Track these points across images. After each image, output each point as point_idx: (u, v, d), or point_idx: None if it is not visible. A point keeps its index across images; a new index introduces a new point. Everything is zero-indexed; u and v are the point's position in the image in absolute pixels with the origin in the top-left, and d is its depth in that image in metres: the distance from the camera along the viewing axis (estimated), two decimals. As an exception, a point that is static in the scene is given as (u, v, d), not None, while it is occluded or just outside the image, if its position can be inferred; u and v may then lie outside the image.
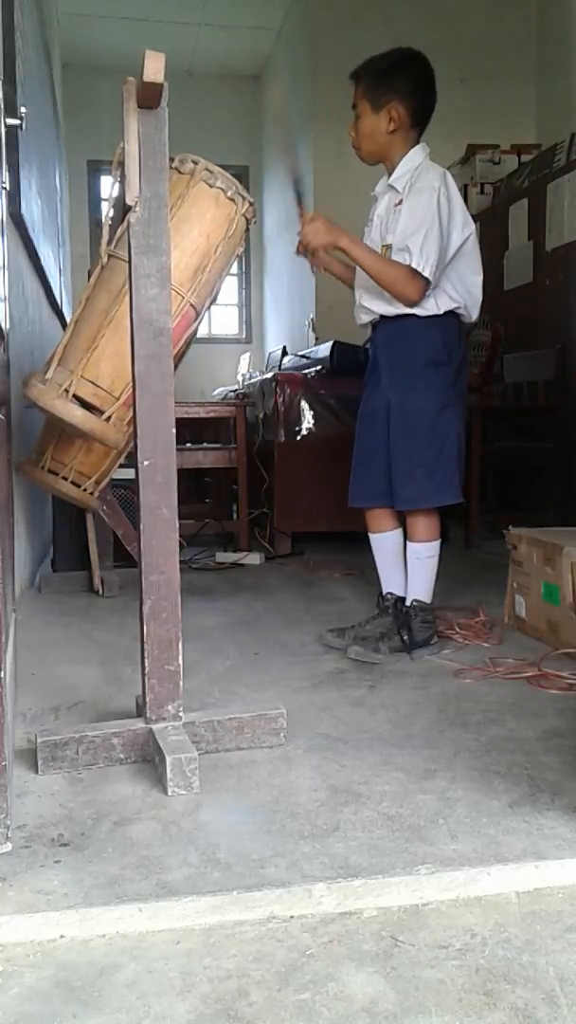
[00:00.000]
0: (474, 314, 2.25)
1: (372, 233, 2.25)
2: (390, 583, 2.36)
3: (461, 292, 2.20)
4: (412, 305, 2.15)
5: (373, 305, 2.24)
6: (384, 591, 2.36)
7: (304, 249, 2.22)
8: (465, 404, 2.33)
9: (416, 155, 2.19)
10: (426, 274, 2.09)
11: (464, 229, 2.16)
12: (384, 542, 2.35)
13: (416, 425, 2.21)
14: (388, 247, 2.17)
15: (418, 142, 2.20)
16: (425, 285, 2.12)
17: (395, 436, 2.23)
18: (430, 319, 2.18)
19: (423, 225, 2.09)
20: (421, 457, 2.21)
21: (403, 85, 2.15)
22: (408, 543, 2.30)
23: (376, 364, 2.30)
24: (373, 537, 2.37)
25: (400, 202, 2.16)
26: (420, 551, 2.27)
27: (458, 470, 2.25)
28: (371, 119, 2.17)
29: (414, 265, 2.09)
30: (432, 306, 2.17)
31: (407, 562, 2.31)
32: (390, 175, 2.22)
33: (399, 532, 2.32)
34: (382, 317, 2.24)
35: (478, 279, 2.22)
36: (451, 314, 2.21)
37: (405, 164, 2.18)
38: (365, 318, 2.30)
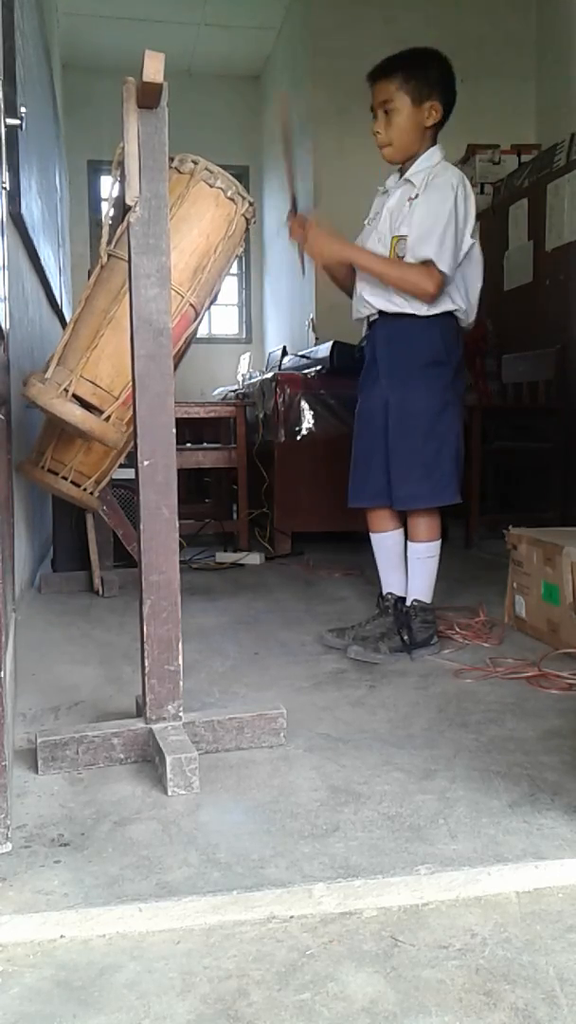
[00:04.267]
0: (471, 319, 2.26)
1: (380, 226, 2.23)
2: (390, 583, 2.35)
3: (463, 295, 2.20)
4: (431, 300, 2.15)
5: (374, 300, 2.23)
6: (384, 591, 2.36)
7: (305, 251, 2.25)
8: (463, 404, 2.33)
9: (435, 153, 2.20)
10: (444, 268, 2.10)
11: (474, 234, 2.18)
12: (385, 542, 2.35)
13: (415, 425, 2.21)
14: (402, 238, 2.17)
15: (436, 142, 2.22)
16: (442, 278, 2.12)
17: (394, 436, 2.23)
18: (431, 319, 2.18)
19: (441, 220, 2.10)
20: (420, 457, 2.21)
21: (440, 80, 2.17)
22: (409, 543, 2.30)
23: (374, 362, 2.30)
24: (374, 537, 2.37)
25: (415, 196, 2.16)
26: (420, 551, 2.27)
27: (457, 470, 2.24)
28: (412, 113, 2.16)
29: (433, 258, 2.09)
30: (433, 307, 2.18)
31: (407, 562, 2.31)
32: (403, 171, 2.23)
33: (400, 532, 2.32)
34: (381, 314, 2.24)
35: (479, 285, 2.24)
36: (450, 315, 2.21)
37: (424, 160, 2.19)
38: (364, 311, 2.29)
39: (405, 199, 2.19)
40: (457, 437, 2.24)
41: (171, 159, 2.03)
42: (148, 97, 1.46)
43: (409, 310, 2.18)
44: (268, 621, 2.66)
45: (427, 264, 2.11)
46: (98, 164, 7.99)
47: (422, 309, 2.17)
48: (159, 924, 1.09)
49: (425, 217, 2.13)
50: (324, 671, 2.13)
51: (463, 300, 2.20)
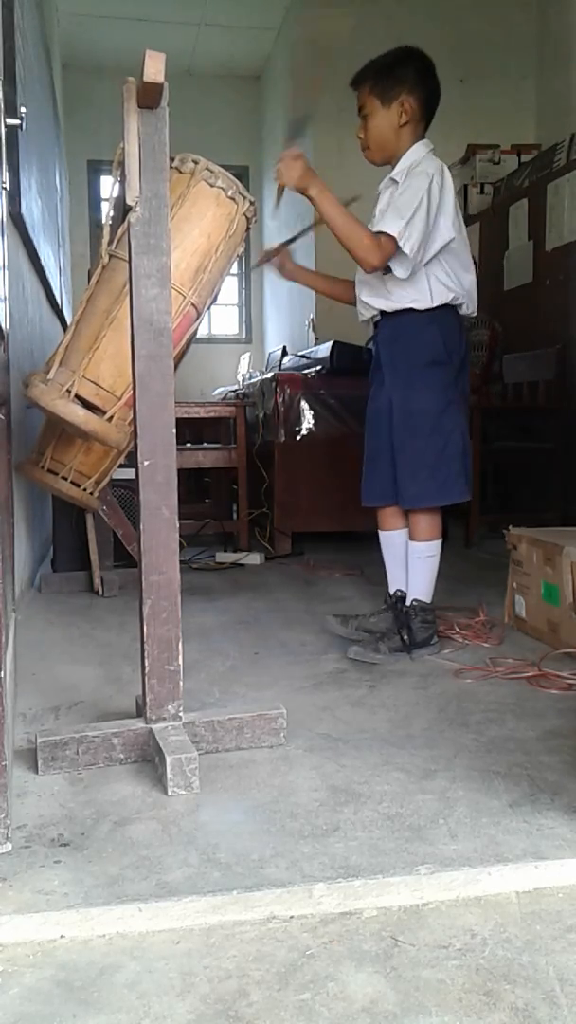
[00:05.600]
0: (472, 307, 2.25)
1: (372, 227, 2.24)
2: (397, 581, 2.36)
3: (456, 283, 2.19)
4: (371, 270, 2.11)
5: (372, 301, 2.23)
6: (391, 589, 2.36)
7: (269, 259, 2.32)
8: (467, 402, 2.33)
9: (419, 149, 2.18)
10: (406, 249, 2.06)
11: (454, 226, 2.14)
12: (393, 540, 2.35)
13: (418, 425, 2.21)
14: None
15: (423, 137, 2.21)
16: (390, 254, 2.07)
17: (398, 436, 2.23)
18: (430, 316, 2.17)
19: (412, 202, 2.07)
20: (424, 457, 2.21)
21: (409, 77, 2.15)
22: (409, 542, 2.30)
23: (379, 362, 2.31)
24: (382, 535, 2.38)
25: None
26: (421, 550, 2.27)
27: (464, 468, 2.24)
28: (382, 114, 2.16)
29: (395, 234, 2.05)
30: (427, 298, 2.16)
31: (408, 561, 2.31)
32: (393, 170, 2.22)
33: (407, 531, 2.32)
34: (383, 313, 2.24)
35: (470, 277, 2.22)
36: (451, 310, 2.20)
37: (408, 158, 2.18)
38: (366, 314, 2.29)
39: (392, 198, 2.19)
40: (462, 435, 2.24)
41: (171, 159, 2.03)
42: (148, 97, 1.46)
43: (408, 305, 2.17)
44: (268, 621, 2.66)
45: (383, 237, 2.06)
46: (98, 164, 7.99)
47: (420, 303, 2.17)
48: (159, 924, 1.09)
49: (397, 197, 2.11)
50: (324, 671, 2.13)
51: (456, 287, 2.19)
